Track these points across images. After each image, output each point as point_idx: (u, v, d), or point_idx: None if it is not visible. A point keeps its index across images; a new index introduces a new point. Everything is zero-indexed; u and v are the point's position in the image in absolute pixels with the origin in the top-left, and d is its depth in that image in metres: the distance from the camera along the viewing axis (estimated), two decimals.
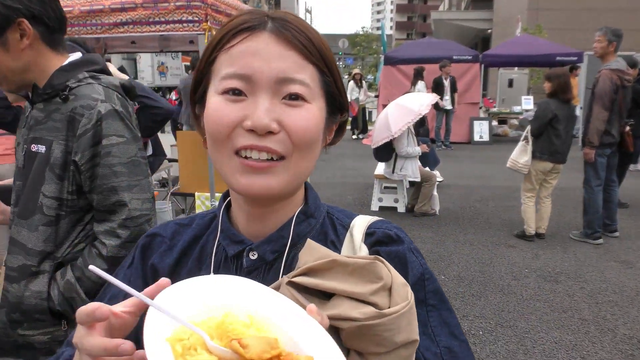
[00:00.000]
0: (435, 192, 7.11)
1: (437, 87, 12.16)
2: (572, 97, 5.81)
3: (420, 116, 6.62)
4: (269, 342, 0.55)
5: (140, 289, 0.61)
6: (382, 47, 16.77)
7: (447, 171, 9.60)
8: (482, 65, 13.99)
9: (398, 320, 0.66)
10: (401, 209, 7.29)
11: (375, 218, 0.88)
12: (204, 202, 4.60)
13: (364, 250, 0.82)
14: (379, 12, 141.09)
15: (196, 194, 4.78)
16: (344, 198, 8.08)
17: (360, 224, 0.86)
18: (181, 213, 5.91)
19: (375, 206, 7.39)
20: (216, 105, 0.75)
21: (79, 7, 3.68)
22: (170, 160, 6.68)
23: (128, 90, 1.63)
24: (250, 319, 0.58)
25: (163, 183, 7.14)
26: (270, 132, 0.73)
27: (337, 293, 0.68)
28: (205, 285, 0.60)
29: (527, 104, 15.18)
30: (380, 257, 0.71)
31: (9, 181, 2.07)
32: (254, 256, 0.82)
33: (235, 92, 0.74)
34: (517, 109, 15.57)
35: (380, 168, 7.41)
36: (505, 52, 14.02)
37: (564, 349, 3.65)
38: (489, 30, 27.71)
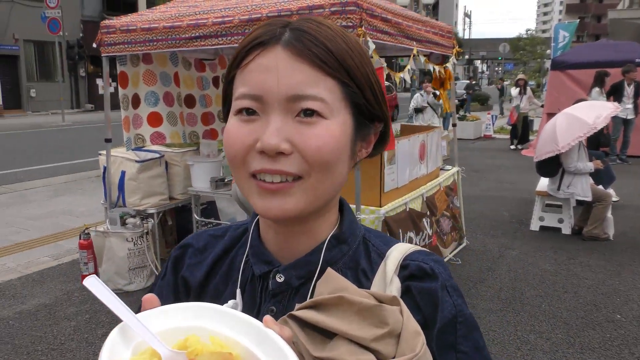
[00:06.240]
0: (609, 214, 6.22)
1: (615, 93, 10.79)
2: None
3: (595, 130, 5.82)
4: (223, 356, 0.59)
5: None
6: (550, 51, 15.43)
7: (625, 189, 8.39)
8: None
9: None
10: (566, 230, 6.50)
11: (416, 248, 0.80)
12: None
13: (395, 284, 0.76)
14: (545, 14, 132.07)
15: None
16: (499, 214, 7.46)
17: (395, 254, 0.79)
18: None
19: (535, 226, 6.69)
20: (231, 128, 0.74)
21: (238, 17, 3.79)
22: None
23: None
24: (211, 340, 0.62)
25: None
26: (282, 153, 0.69)
27: (338, 333, 0.65)
28: (181, 310, 0.64)
29: None
30: (398, 299, 0.67)
31: None
32: (280, 279, 0.80)
33: (249, 112, 0.72)
34: None
35: (544, 184, 6.68)
36: None
37: None
38: None
